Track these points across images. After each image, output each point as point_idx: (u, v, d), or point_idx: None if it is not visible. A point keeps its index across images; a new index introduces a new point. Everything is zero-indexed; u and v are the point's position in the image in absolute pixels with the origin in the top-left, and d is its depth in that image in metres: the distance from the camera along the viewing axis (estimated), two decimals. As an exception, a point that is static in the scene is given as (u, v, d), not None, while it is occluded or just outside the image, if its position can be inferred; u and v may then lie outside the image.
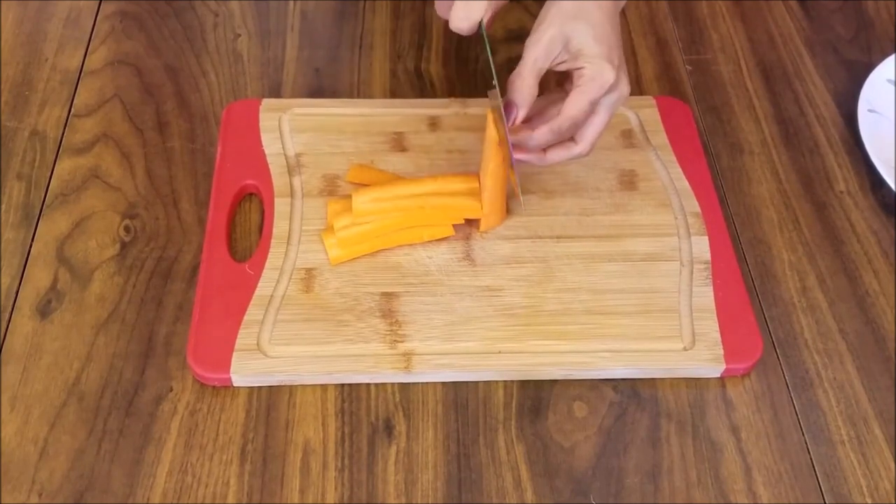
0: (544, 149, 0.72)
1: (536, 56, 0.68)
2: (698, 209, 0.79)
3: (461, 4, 0.67)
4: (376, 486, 0.65)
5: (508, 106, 0.69)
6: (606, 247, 0.76)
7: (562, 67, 0.70)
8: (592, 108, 0.69)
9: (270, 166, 0.80)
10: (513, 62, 0.69)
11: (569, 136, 0.71)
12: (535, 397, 0.69)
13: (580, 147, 0.72)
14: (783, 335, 0.74)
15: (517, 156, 0.71)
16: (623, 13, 0.99)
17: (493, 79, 0.69)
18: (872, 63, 0.91)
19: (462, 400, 0.69)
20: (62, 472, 0.64)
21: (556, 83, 0.73)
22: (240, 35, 0.94)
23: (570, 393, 0.70)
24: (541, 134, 0.70)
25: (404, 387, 0.69)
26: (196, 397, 0.68)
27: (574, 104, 0.69)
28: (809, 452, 0.68)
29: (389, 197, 0.75)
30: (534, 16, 0.73)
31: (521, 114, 0.69)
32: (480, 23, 0.68)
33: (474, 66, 0.92)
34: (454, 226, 0.76)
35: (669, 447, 0.67)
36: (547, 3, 0.69)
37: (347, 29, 0.95)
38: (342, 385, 0.69)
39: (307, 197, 0.78)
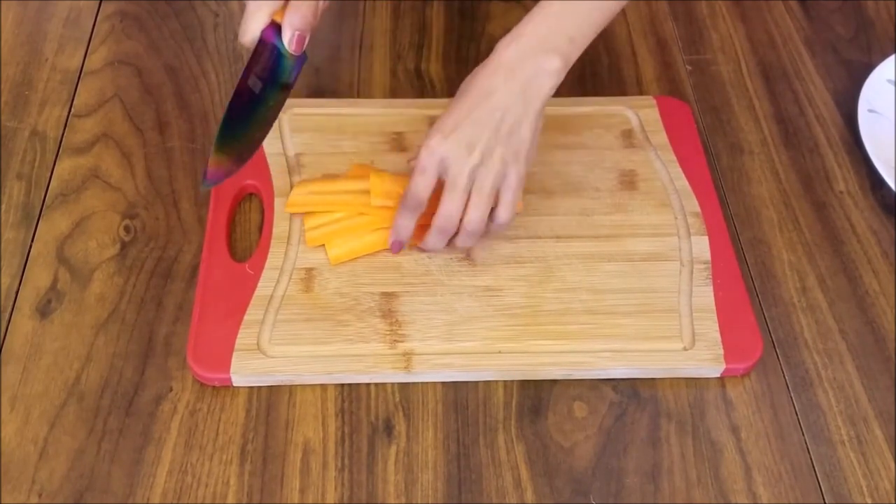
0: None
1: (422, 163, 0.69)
2: (698, 209, 0.79)
3: (245, 17, 0.68)
4: (376, 486, 0.65)
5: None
6: (606, 247, 0.76)
7: None
8: (424, 179, 0.69)
9: (270, 166, 0.80)
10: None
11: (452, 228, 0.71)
12: (535, 397, 0.69)
13: (463, 230, 0.70)
14: (783, 335, 0.74)
15: (422, 244, 0.73)
16: (623, 13, 0.99)
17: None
18: (872, 63, 0.91)
19: (462, 400, 0.69)
20: (62, 472, 0.64)
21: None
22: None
23: (570, 393, 0.70)
24: (397, 216, 0.71)
25: (404, 387, 0.69)
26: (196, 397, 0.68)
27: (413, 183, 0.69)
28: (809, 452, 0.68)
29: (330, 191, 0.76)
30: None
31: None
32: (279, 44, 0.68)
33: (474, 67, 0.92)
34: None
35: (669, 447, 0.67)
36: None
37: (347, 29, 0.95)
38: (342, 385, 0.69)
39: (307, 197, 0.78)
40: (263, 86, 0.70)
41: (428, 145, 0.68)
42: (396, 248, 0.72)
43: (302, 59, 0.70)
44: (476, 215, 0.69)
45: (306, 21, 0.68)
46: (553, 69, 0.68)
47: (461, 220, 0.70)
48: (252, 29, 0.68)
